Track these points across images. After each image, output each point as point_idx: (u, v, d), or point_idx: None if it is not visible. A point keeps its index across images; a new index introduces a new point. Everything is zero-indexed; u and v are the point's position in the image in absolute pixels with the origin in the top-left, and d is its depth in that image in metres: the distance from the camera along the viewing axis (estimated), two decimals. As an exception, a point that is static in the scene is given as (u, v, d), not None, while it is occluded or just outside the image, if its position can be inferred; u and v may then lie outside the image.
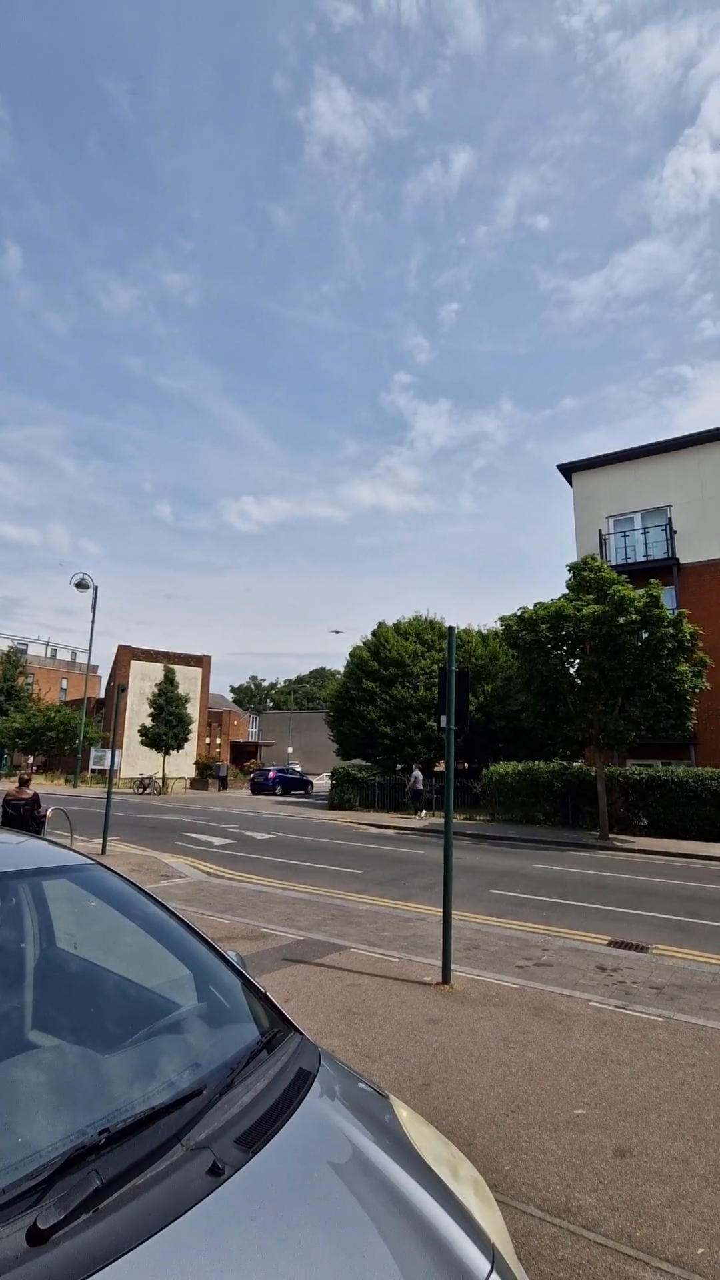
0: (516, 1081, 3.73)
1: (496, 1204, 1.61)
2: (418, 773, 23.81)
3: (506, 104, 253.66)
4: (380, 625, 28.58)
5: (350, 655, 28.53)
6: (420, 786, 23.16)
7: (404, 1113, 1.69)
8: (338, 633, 35.18)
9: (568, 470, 24.43)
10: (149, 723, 32.41)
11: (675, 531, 21.49)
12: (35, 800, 9.61)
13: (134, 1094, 1.41)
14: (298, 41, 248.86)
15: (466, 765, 27.70)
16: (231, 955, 2.10)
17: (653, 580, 15.75)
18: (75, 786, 33.00)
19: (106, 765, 28.86)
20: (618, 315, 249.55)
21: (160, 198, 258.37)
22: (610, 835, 16.22)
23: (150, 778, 32.60)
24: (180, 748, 33.47)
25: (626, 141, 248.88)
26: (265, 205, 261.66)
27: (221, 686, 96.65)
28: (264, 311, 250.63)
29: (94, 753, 38.03)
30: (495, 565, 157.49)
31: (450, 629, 6.30)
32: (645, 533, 22.33)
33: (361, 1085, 1.76)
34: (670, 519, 21.74)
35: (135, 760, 38.08)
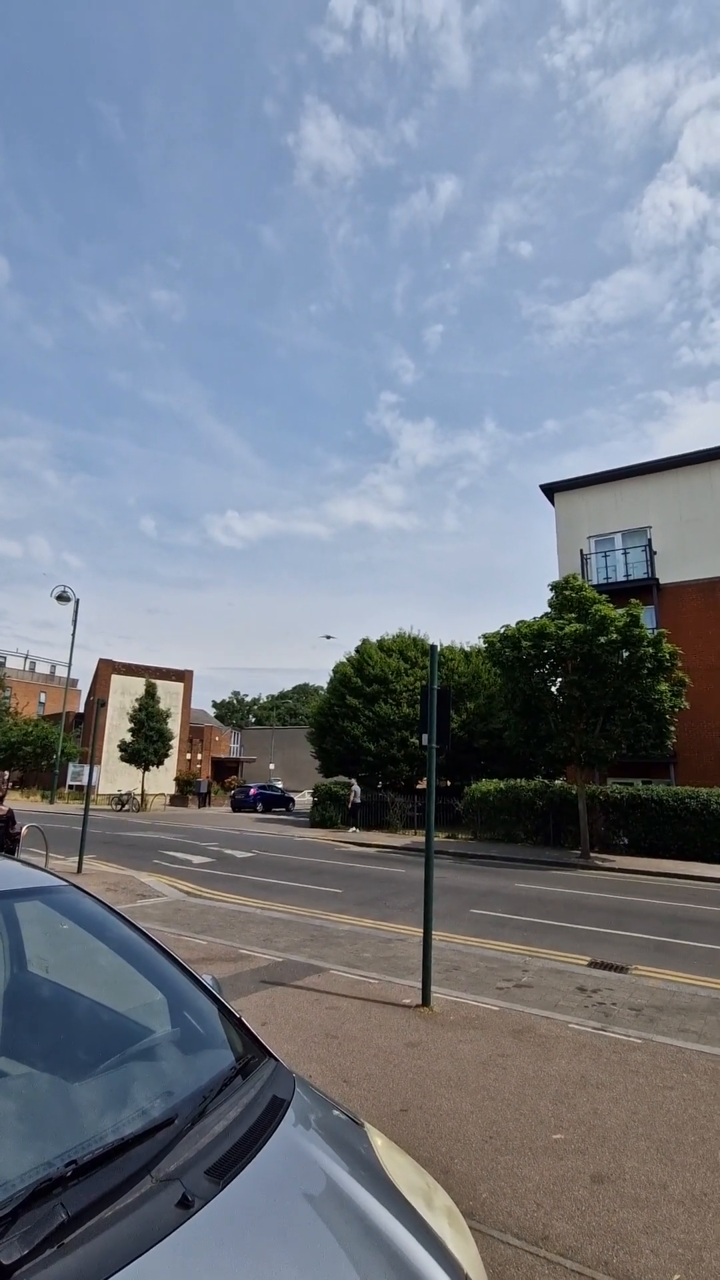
0: (495, 1106, 3.70)
1: (471, 1234, 1.59)
2: (356, 786, 24.20)
3: (491, 136, 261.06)
4: (364, 642, 28.61)
5: (334, 671, 28.49)
6: (358, 800, 23.63)
7: (379, 1141, 1.67)
8: (329, 638, 35.12)
9: (550, 490, 24.81)
10: (129, 738, 31.99)
11: (655, 552, 21.88)
12: (10, 817, 9.41)
13: (104, 1124, 1.38)
14: (288, 70, 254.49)
15: (449, 783, 27.67)
16: (207, 979, 2.08)
17: (633, 600, 15.97)
18: (52, 803, 32.39)
19: (84, 781, 28.43)
20: (598, 341, 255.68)
21: (149, 215, 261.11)
22: (591, 854, 16.25)
23: (129, 794, 32.11)
24: (160, 764, 33.04)
25: (607, 175, 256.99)
26: (254, 226, 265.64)
27: (204, 702, 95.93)
28: (252, 329, 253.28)
29: (72, 768, 37.41)
30: (478, 583, 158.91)
31: (433, 647, 6.34)
32: (626, 553, 22.70)
33: (336, 1113, 1.74)
34: (650, 540, 22.13)
35: (114, 776, 37.52)
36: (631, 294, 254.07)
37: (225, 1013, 1.93)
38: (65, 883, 2.17)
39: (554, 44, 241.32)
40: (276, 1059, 1.83)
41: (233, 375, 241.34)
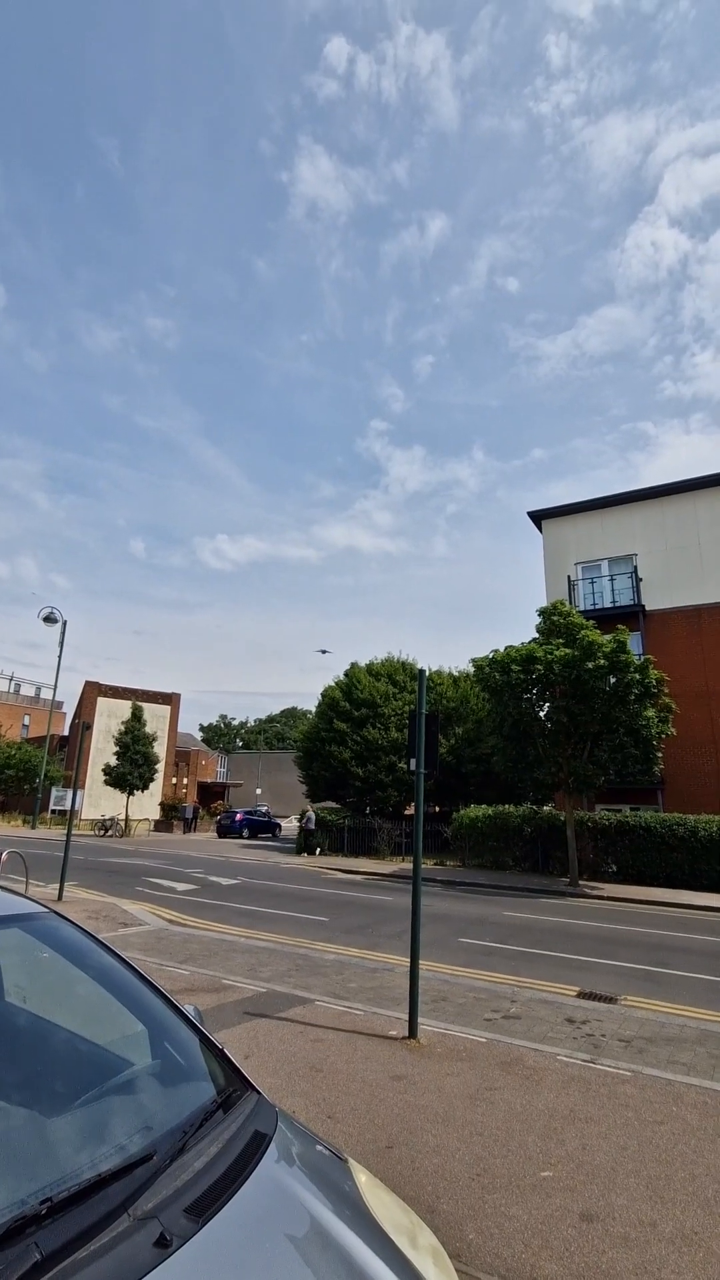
0: (483, 1142, 3.62)
1: (457, 1274, 1.56)
2: (311, 813, 24.45)
3: (480, 177, 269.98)
4: (353, 665, 28.60)
5: (322, 695, 28.40)
6: (311, 826, 23.84)
7: (363, 1177, 1.63)
8: (324, 652, 34.79)
9: (538, 518, 25.16)
10: (114, 761, 31.58)
11: (641, 579, 22.17)
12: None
13: (80, 1160, 1.35)
14: (284, 110, 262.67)
15: (437, 809, 27.49)
16: (189, 1009, 2.04)
17: (620, 626, 16.13)
18: (34, 828, 31.76)
19: (67, 805, 27.93)
20: (584, 373, 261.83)
21: (146, 245, 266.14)
22: (580, 881, 16.14)
23: (112, 819, 31.57)
24: (145, 788, 32.60)
25: (591, 215, 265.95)
26: (248, 257, 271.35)
27: (190, 725, 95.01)
28: (244, 357, 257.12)
29: (55, 792, 36.77)
30: (467, 608, 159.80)
31: (421, 671, 6.35)
32: (612, 580, 22.98)
33: (319, 1148, 1.70)
34: (636, 567, 22.44)
35: (98, 801, 36.94)
36: (616, 329, 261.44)
37: (207, 1044, 1.90)
38: (46, 910, 2.13)
39: (539, 92, 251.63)
40: (259, 1092, 1.79)
41: (225, 401, 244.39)
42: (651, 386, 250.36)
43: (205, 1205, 1.27)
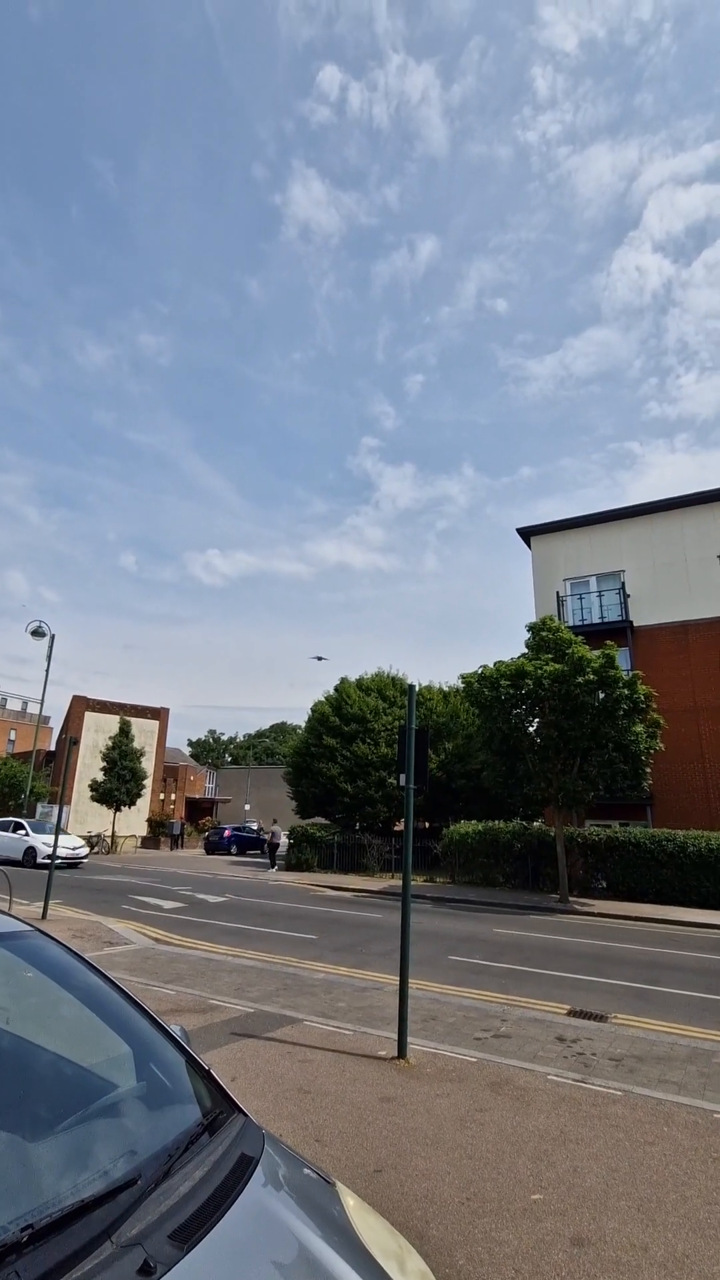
0: (473, 1165, 3.58)
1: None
2: (276, 828, 25.24)
3: (469, 201, 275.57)
4: (343, 680, 28.56)
5: (312, 710, 28.32)
6: (278, 841, 24.67)
7: (351, 1201, 1.61)
8: (321, 659, 34.41)
9: (527, 534, 25.40)
10: (101, 777, 31.25)
11: (629, 595, 22.38)
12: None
13: (63, 1185, 1.32)
14: (277, 135, 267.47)
15: (427, 825, 27.37)
16: (175, 1030, 2.02)
17: (608, 642, 16.25)
18: (18, 845, 31.26)
19: (53, 822, 27.52)
20: (571, 393, 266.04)
21: (140, 264, 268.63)
22: (570, 898, 16.09)
23: (99, 836, 31.17)
24: (133, 804, 32.27)
25: (577, 240, 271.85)
26: (241, 277, 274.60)
27: (179, 740, 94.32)
28: (236, 374, 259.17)
29: (40, 808, 36.24)
30: (457, 623, 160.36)
31: (411, 687, 6.35)
32: (600, 596, 23.18)
33: (307, 1171, 1.68)
34: (624, 583, 22.67)
35: (84, 817, 36.46)
36: (602, 350, 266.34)
37: (194, 1065, 1.87)
38: (30, 928, 2.11)
39: (527, 121, 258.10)
40: (246, 1114, 1.77)
41: (217, 417, 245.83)
42: (637, 407, 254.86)
43: (190, 1231, 1.25)
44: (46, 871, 12.24)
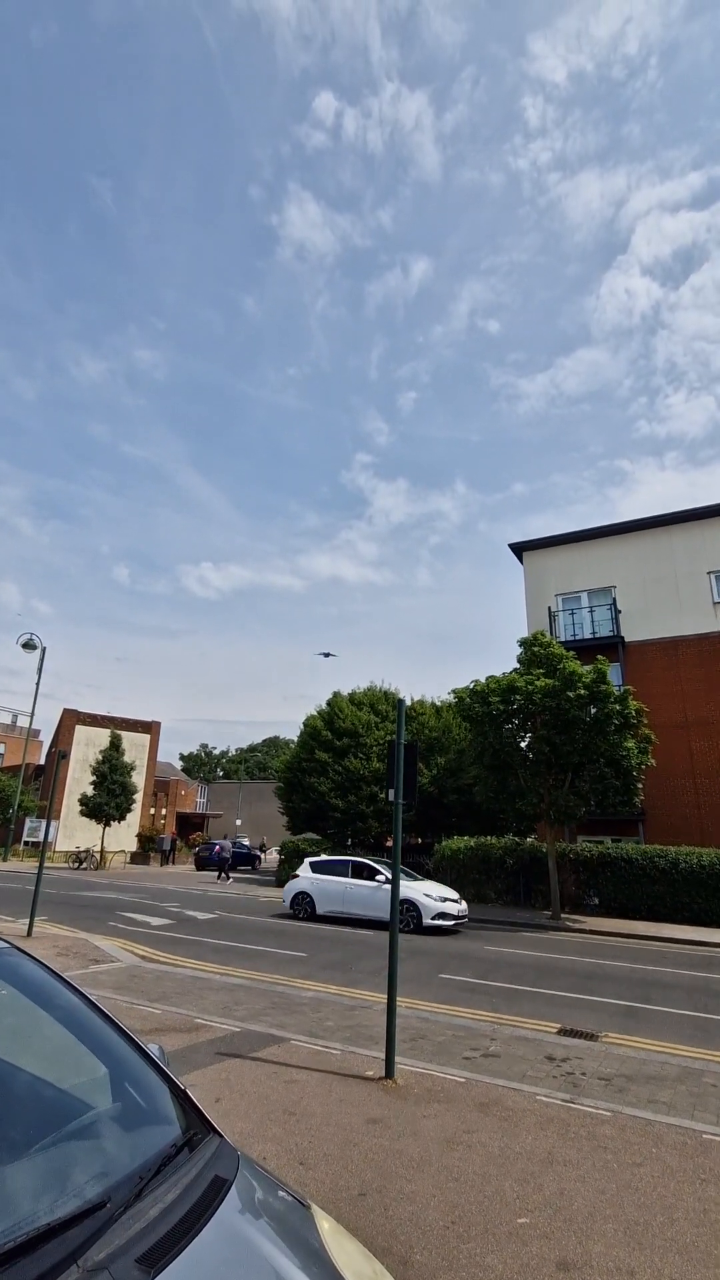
0: (458, 1188, 3.52)
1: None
2: (226, 842, 27.11)
3: (461, 224, 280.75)
4: (335, 694, 28.47)
5: (304, 724, 28.18)
6: (227, 855, 26.39)
7: (326, 1225, 1.58)
8: (328, 655, 33.96)
9: (519, 549, 25.55)
10: (90, 791, 30.95)
11: (620, 611, 22.51)
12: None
13: (30, 1208, 1.30)
14: (273, 158, 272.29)
15: (419, 840, 27.17)
16: (153, 1049, 1.99)
17: (599, 657, 16.29)
18: (5, 860, 30.87)
19: (40, 837, 27.23)
20: (562, 411, 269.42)
21: (136, 280, 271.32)
22: (562, 914, 15.99)
23: (87, 851, 30.79)
24: (122, 819, 31.93)
25: (567, 263, 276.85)
26: (237, 294, 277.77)
27: (170, 754, 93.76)
28: (232, 389, 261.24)
29: (29, 823, 35.84)
30: (450, 638, 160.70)
31: (400, 702, 6.36)
32: (592, 611, 23.30)
33: (282, 1193, 1.65)
34: (615, 599, 22.80)
35: (73, 832, 36.06)
36: (592, 370, 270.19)
37: (171, 1086, 1.85)
38: (7, 945, 2.08)
39: (517, 149, 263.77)
40: (221, 1135, 1.74)
41: (211, 431, 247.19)
42: (627, 425, 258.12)
43: (158, 1255, 1.23)
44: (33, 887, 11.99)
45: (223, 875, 26.34)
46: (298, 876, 15.64)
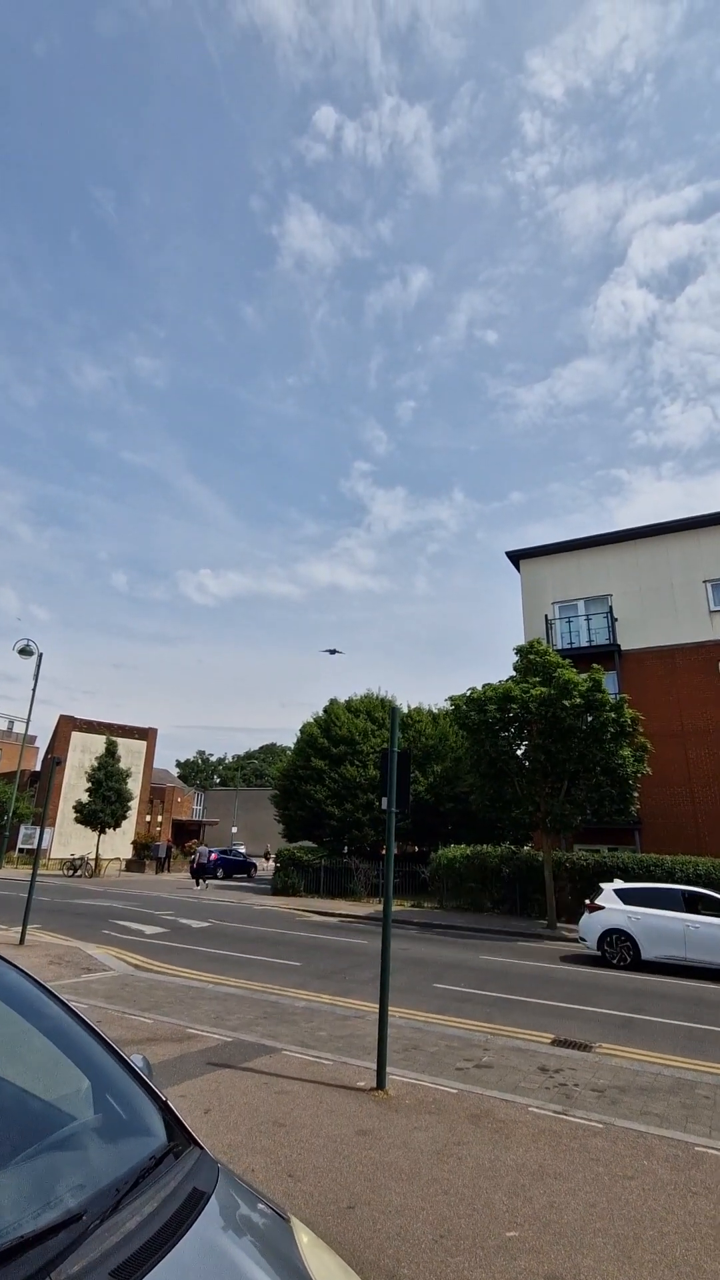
0: (448, 1201, 3.50)
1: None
2: (204, 849, 27.34)
3: (460, 236, 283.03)
4: (332, 702, 28.46)
5: (301, 732, 28.15)
6: (205, 861, 26.53)
7: (304, 1237, 1.57)
8: (334, 651, 33.35)
9: (516, 558, 25.62)
10: (86, 798, 30.81)
11: (616, 619, 22.55)
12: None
13: (7, 1221, 1.29)
14: (274, 170, 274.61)
15: (416, 848, 27.09)
16: (136, 1060, 1.98)
17: (595, 665, 16.32)
18: (0, 867, 30.67)
19: (35, 844, 27.15)
20: (560, 421, 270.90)
21: (138, 289, 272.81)
22: (558, 924, 15.93)
23: (82, 859, 30.62)
24: (117, 826, 31.77)
25: (565, 274, 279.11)
26: (237, 303, 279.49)
27: (167, 761, 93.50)
28: (232, 397, 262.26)
29: (23, 830, 35.62)
30: (448, 645, 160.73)
31: (393, 710, 6.35)
32: (588, 619, 23.34)
33: (261, 1205, 1.64)
34: (611, 607, 22.85)
35: (68, 839, 35.86)
36: (589, 380, 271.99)
37: (152, 1097, 1.84)
38: (-8, 954, 2.07)
39: (516, 163, 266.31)
40: (201, 1147, 1.73)
41: (211, 439, 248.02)
42: (624, 435, 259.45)
43: (133, 1268, 1.22)
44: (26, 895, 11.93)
45: (200, 882, 26.63)
46: (600, 909, 11.98)
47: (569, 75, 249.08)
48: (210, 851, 27.33)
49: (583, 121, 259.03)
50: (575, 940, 14.32)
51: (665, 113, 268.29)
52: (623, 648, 21.97)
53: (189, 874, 33.36)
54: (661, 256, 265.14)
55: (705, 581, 21.54)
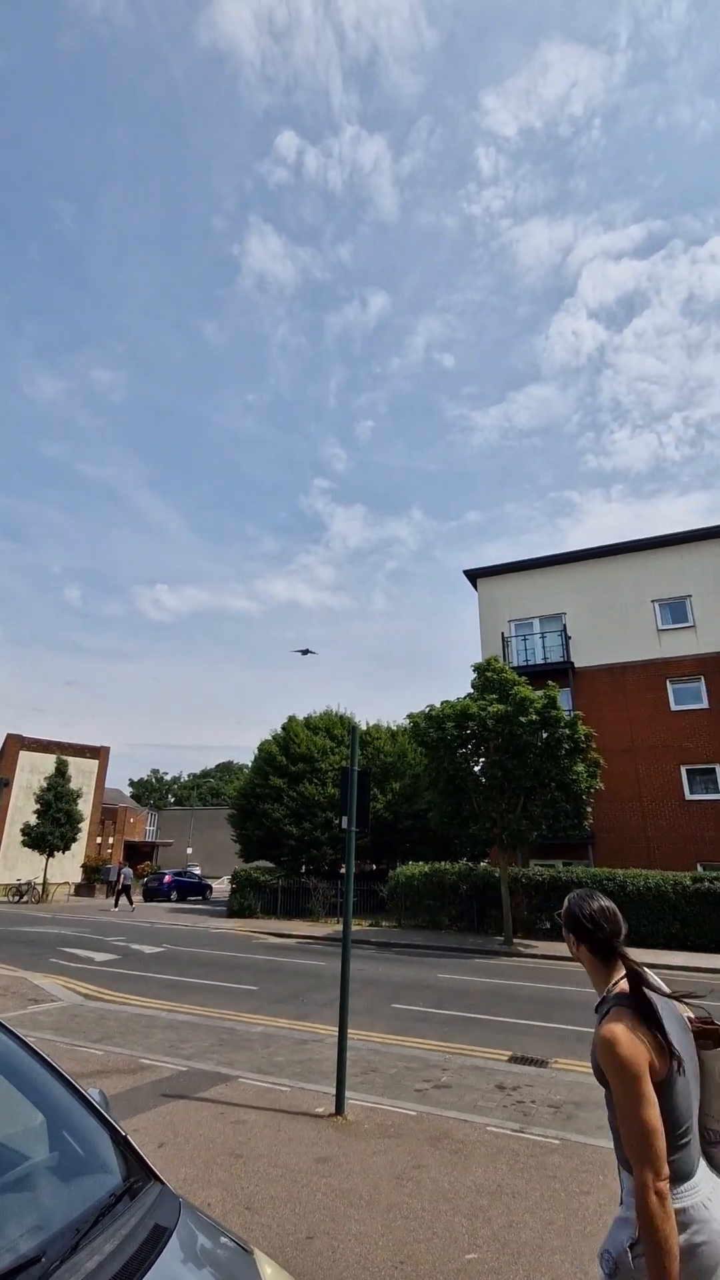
0: (407, 1226, 3.48)
1: None
2: (126, 869, 26.91)
3: (418, 263, 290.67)
4: (290, 719, 28.25)
5: (259, 749, 27.81)
6: (128, 882, 26.26)
7: (269, 1269, 1.56)
8: (306, 652, 31.71)
9: (474, 576, 26.10)
10: (34, 820, 29.68)
11: (570, 637, 23.16)
12: None
13: (-42, 1270, 1.25)
14: (236, 191, 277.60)
15: (374, 866, 26.98)
16: (94, 1094, 1.94)
17: (550, 682, 16.70)
18: (-62, 894, 29.19)
19: None
20: (514, 444, 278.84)
21: (96, 303, 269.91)
22: (514, 940, 16.07)
23: (29, 884, 29.41)
24: (67, 849, 30.66)
25: (518, 303, 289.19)
26: (198, 320, 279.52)
27: (120, 780, 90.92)
28: (191, 413, 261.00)
29: (-34, 854, 34.03)
30: (406, 662, 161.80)
31: (353, 728, 6.38)
32: (544, 637, 23.90)
33: (224, 1240, 1.63)
34: (566, 625, 23.47)
35: (14, 863, 34.39)
36: (542, 405, 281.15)
37: (111, 1132, 1.80)
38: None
39: (471, 195, 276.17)
40: (162, 1182, 1.70)
41: (169, 454, 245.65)
42: (576, 459, 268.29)
43: None
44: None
45: (116, 904, 26.06)
46: None
47: (522, 115, 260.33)
48: (123, 869, 26.77)
49: (535, 159, 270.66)
50: (531, 955, 14.47)
51: (612, 155, 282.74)
52: (576, 665, 22.56)
53: (141, 898, 32.41)
54: (610, 290, 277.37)
55: (654, 601, 22.36)
